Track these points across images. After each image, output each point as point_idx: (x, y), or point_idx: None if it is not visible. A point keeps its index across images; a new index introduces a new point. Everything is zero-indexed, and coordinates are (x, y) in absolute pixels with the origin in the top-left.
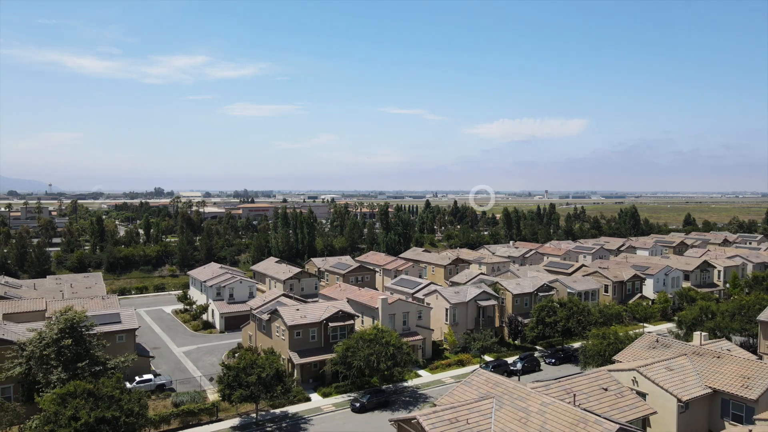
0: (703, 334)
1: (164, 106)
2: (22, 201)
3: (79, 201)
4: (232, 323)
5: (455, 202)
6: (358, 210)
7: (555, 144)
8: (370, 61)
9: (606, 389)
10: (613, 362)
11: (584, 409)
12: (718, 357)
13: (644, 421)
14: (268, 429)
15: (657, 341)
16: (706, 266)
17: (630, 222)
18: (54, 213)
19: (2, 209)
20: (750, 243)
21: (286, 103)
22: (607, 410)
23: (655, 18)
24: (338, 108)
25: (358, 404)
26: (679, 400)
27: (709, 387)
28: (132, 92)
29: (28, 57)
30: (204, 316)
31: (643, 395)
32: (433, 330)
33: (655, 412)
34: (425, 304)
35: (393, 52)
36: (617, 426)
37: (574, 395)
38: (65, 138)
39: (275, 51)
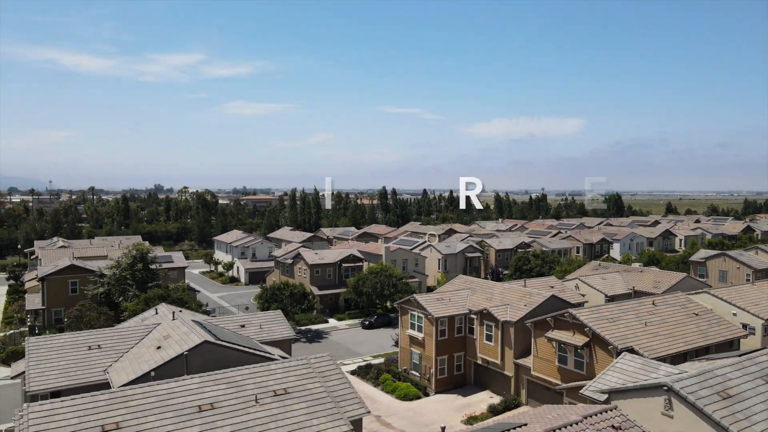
0: (639, 264)
1: (160, 104)
2: (32, 196)
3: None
4: (255, 278)
5: (451, 191)
6: (359, 201)
7: (552, 143)
8: (366, 60)
9: (552, 287)
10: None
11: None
12: (641, 272)
13: None
14: (296, 338)
15: (600, 265)
16: (668, 234)
17: (614, 208)
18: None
19: (26, 197)
20: (720, 224)
21: (283, 102)
22: None
23: (650, 18)
24: (335, 106)
25: (367, 322)
26: (606, 296)
27: (630, 288)
28: (128, 90)
29: (24, 54)
30: (229, 273)
31: (582, 295)
32: (428, 276)
33: (586, 301)
34: (421, 255)
35: (390, 51)
36: (550, 294)
37: (525, 281)
38: (62, 136)
39: (271, 49)
